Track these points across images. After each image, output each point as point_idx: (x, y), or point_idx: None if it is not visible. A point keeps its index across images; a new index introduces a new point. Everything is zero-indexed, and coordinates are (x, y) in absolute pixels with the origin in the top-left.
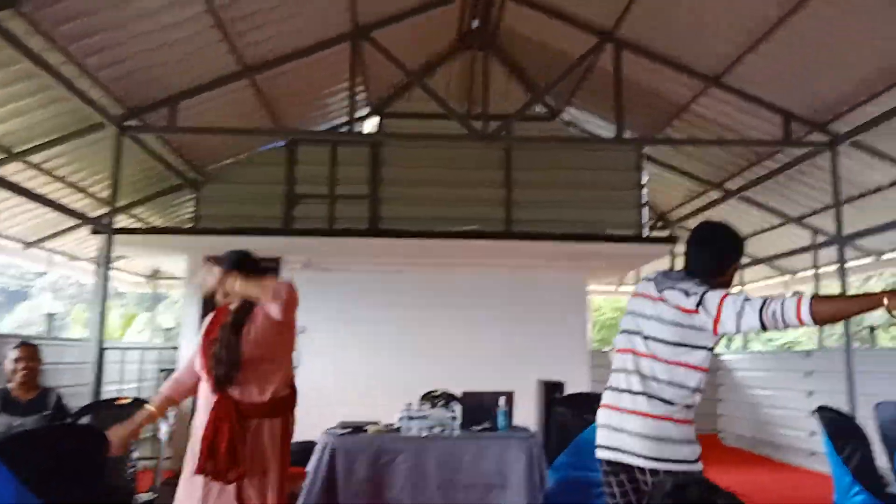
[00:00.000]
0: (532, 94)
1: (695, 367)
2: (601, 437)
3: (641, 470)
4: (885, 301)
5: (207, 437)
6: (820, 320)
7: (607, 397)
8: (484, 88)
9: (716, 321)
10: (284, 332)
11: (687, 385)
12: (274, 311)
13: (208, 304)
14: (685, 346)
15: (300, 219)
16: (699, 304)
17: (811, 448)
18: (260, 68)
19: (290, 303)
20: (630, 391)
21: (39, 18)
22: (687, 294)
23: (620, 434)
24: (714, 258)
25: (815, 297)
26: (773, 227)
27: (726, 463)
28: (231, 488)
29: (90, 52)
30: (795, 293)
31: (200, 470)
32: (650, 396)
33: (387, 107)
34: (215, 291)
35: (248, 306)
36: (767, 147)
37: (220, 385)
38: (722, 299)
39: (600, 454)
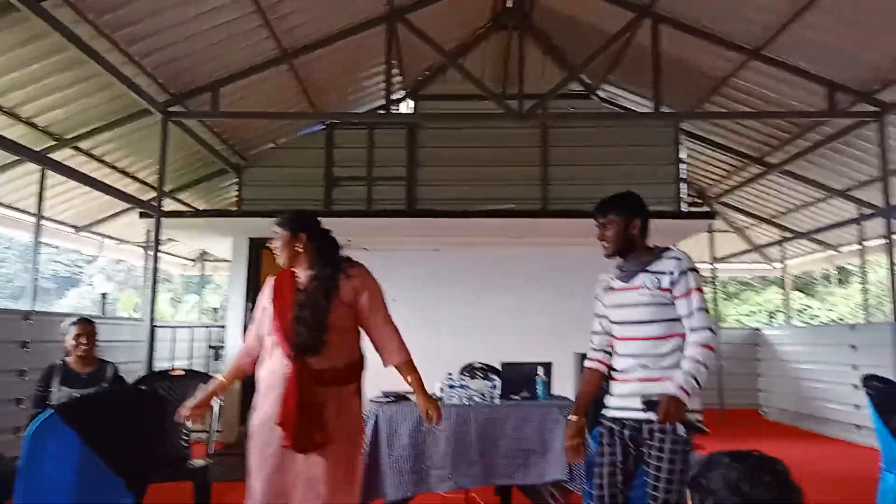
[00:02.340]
0: (568, 71)
1: None
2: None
3: None
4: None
5: (291, 409)
6: None
7: None
8: (519, 67)
9: None
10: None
11: None
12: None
13: (255, 284)
14: None
15: (339, 201)
16: None
17: (856, 422)
18: (298, 53)
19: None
20: None
21: (85, 7)
22: None
23: None
24: None
25: None
26: (817, 202)
27: (769, 437)
28: (304, 457)
29: (134, 39)
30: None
31: (292, 443)
32: None
33: (422, 89)
34: (291, 257)
35: (331, 274)
36: (811, 119)
37: (300, 351)
38: None
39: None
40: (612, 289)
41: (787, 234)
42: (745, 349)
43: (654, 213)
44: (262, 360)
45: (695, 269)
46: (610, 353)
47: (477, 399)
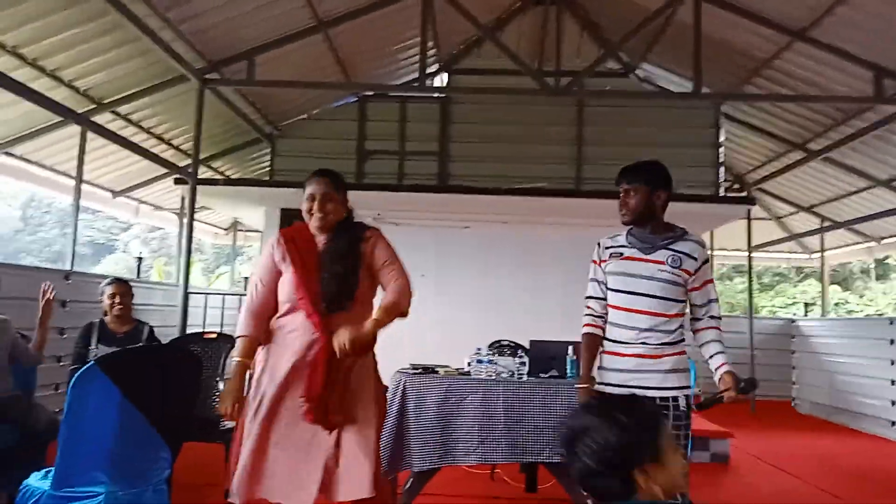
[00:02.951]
0: (606, 48)
1: None
2: None
3: None
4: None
5: (318, 382)
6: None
7: None
8: (556, 44)
9: None
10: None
11: None
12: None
13: None
14: None
15: (370, 174)
16: None
17: (891, 418)
18: (333, 23)
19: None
20: None
21: None
22: None
23: None
24: None
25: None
26: (859, 191)
27: (801, 430)
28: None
29: (172, 4)
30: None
31: (313, 417)
32: None
33: (456, 63)
34: (336, 221)
35: (356, 236)
36: (856, 105)
37: (329, 304)
38: None
39: None
40: (623, 256)
41: (827, 224)
42: (779, 340)
43: (691, 197)
44: (278, 320)
45: None
46: (605, 320)
47: (505, 375)
